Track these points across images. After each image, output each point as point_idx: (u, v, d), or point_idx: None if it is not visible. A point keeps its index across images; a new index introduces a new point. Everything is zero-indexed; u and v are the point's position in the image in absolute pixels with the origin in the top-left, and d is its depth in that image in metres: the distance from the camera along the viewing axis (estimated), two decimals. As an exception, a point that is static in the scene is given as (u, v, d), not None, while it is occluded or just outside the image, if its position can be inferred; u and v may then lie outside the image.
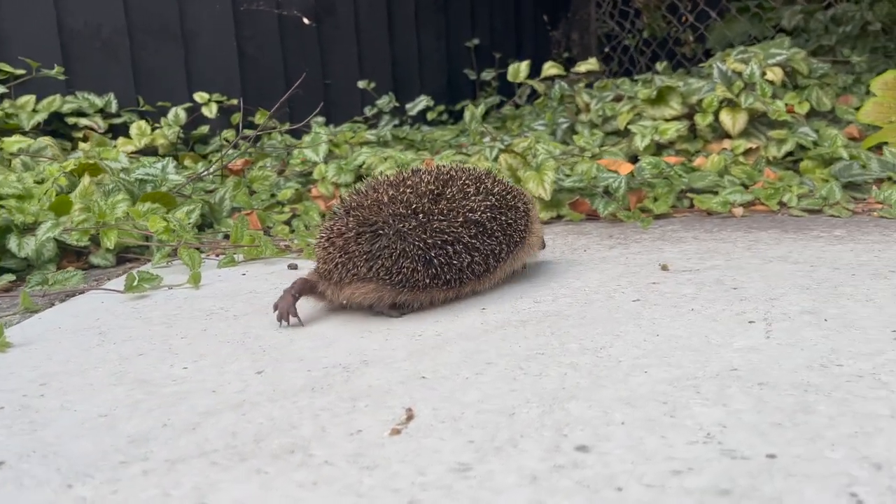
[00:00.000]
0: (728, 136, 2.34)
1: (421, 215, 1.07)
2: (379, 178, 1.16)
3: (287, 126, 3.03)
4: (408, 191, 1.09)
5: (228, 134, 2.84)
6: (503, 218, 1.15)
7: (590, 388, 0.76)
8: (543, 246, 1.35)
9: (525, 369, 0.83)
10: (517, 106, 3.55)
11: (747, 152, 2.28)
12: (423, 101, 2.88)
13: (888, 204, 1.75)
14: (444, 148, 2.69)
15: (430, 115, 3.63)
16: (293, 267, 1.52)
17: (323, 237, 1.09)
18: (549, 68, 2.67)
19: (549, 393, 0.75)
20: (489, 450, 0.63)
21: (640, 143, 2.31)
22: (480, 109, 2.58)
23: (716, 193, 2.01)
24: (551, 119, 2.71)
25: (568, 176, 2.03)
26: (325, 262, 1.07)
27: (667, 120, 2.42)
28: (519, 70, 2.69)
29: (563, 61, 4.58)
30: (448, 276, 1.09)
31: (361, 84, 2.84)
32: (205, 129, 2.86)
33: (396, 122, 2.93)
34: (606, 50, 4.56)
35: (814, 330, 0.91)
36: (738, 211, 1.88)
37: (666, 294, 1.14)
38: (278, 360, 0.91)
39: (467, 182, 1.15)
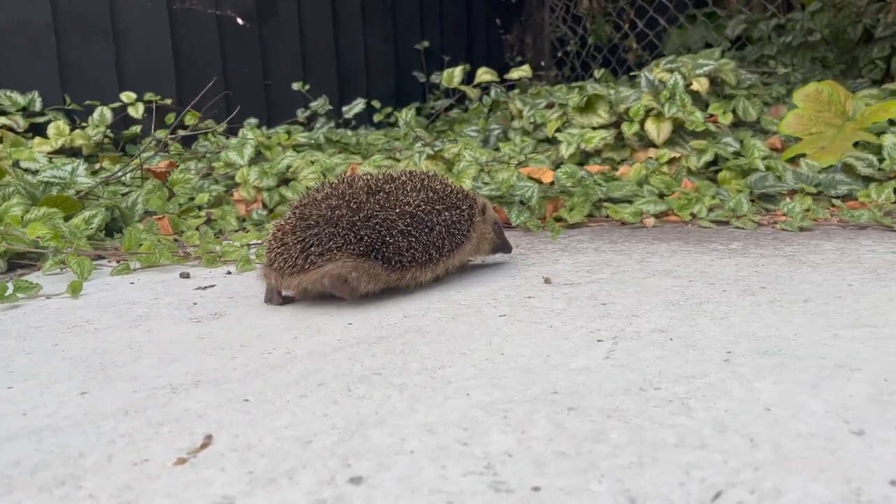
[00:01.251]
0: (654, 145, 2.35)
1: (353, 205, 1.18)
2: (330, 180, 1.28)
3: (223, 127, 3.00)
4: (346, 188, 1.21)
5: (161, 134, 2.79)
6: (445, 215, 1.26)
7: (402, 413, 0.75)
8: (508, 249, 1.45)
9: (352, 391, 0.82)
10: (465, 109, 3.54)
11: (671, 161, 2.29)
12: (359, 104, 2.85)
13: (791, 216, 1.77)
14: (377, 152, 2.68)
15: (376, 117, 3.62)
16: (185, 276, 1.49)
17: (269, 234, 1.22)
18: (483, 74, 2.66)
19: (359, 418, 0.74)
20: (262, 482, 0.61)
21: (565, 151, 2.31)
22: (410, 114, 2.57)
23: (632, 203, 2.02)
24: (484, 125, 2.71)
25: (486, 184, 2.03)
26: (268, 256, 1.19)
27: (594, 128, 2.43)
28: (453, 75, 2.68)
29: (516, 65, 4.59)
30: (387, 255, 1.18)
31: (296, 86, 2.81)
32: (137, 129, 2.81)
33: (332, 124, 2.91)
34: (559, 54, 4.58)
35: (655, 350, 0.91)
36: (650, 221, 1.89)
37: (535, 309, 1.14)
38: (112, 379, 0.89)
39: (410, 182, 1.26)
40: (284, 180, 2.34)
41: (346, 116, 2.84)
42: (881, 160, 2.09)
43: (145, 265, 1.59)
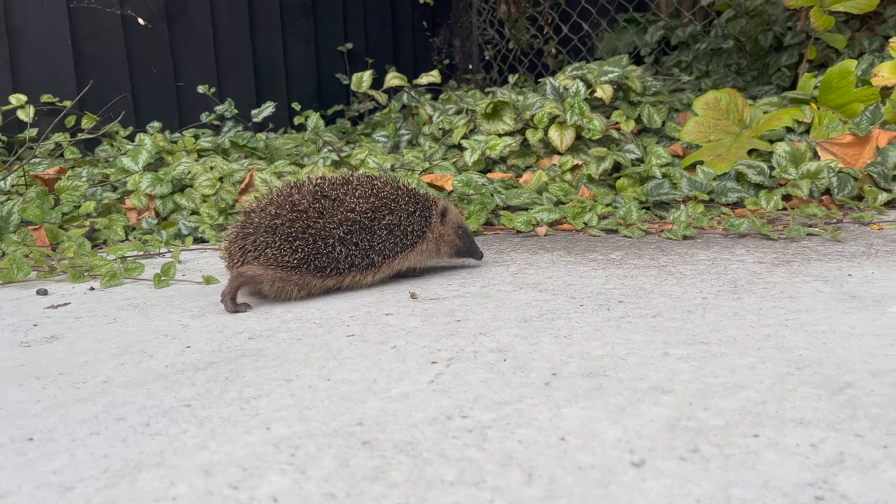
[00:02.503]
0: (559, 152, 2.36)
1: (294, 213, 1.23)
2: (288, 182, 1.35)
3: (130, 130, 2.89)
4: (294, 192, 1.27)
5: (60, 138, 2.68)
6: (389, 219, 1.31)
7: (188, 452, 0.71)
8: (477, 255, 1.47)
9: (150, 427, 0.77)
10: (371, 112, 3.50)
11: (574, 168, 2.30)
12: (269, 107, 2.79)
13: (676, 225, 1.79)
14: (285, 156, 2.62)
15: (297, 120, 3.55)
16: (42, 293, 1.42)
17: (223, 239, 1.31)
18: (392, 79, 2.63)
19: (139, 458, 0.70)
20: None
21: (469, 158, 2.30)
22: (315, 120, 2.52)
23: (528, 211, 2.02)
24: (394, 130, 2.68)
25: (382, 192, 1.99)
26: (224, 257, 1.29)
27: (500, 135, 2.42)
28: (362, 79, 2.64)
29: (443, 68, 4.58)
30: (320, 264, 1.25)
31: (202, 89, 2.73)
32: (33, 132, 2.69)
33: (241, 128, 2.83)
34: (487, 57, 4.58)
35: (483, 372, 0.89)
36: (542, 230, 1.89)
37: (387, 328, 1.11)
38: None
39: (360, 187, 1.30)
40: (182, 187, 2.27)
41: (256, 120, 2.76)
42: (772, 168, 2.14)
43: (4, 281, 1.51)
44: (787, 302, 1.15)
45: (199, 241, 2.03)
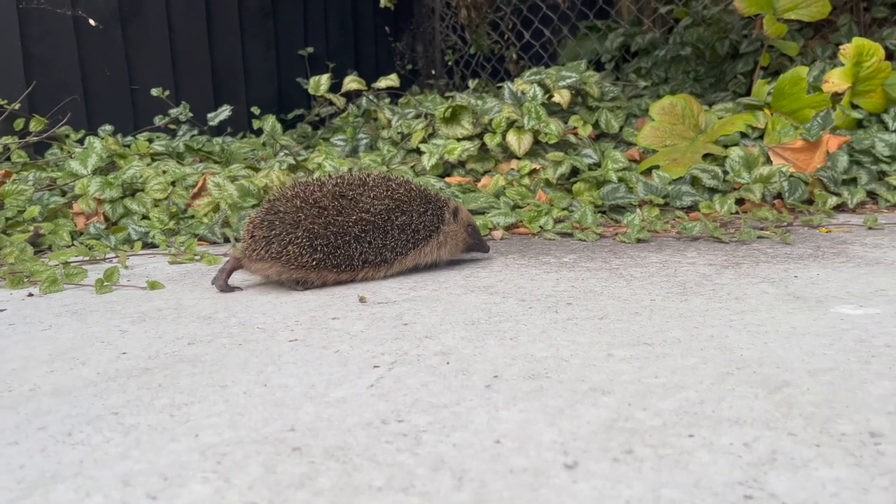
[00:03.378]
0: (517, 156, 2.36)
1: (315, 210, 1.32)
2: (310, 178, 1.44)
3: (82, 133, 2.82)
4: (316, 189, 1.35)
5: (8, 140, 2.59)
6: (402, 219, 1.39)
7: (109, 461, 0.68)
8: (485, 249, 1.56)
9: (73, 436, 0.74)
10: (332, 116, 3.47)
11: (532, 173, 2.30)
12: (225, 111, 2.74)
13: (630, 228, 1.80)
14: (242, 160, 2.57)
15: (256, 124, 3.50)
16: (-24, 300, 1.37)
17: (247, 222, 1.37)
18: (350, 83, 2.61)
19: (56, 469, 0.67)
20: None
21: (427, 162, 2.29)
22: (271, 123, 2.49)
23: (485, 215, 2.01)
24: (352, 134, 2.65)
25: (338, 196, 1.96)
26: (243, 242, 1.35)
27: (459, 139, 2.42)
28: (319, 83, 2.61)
29: (406, 73, 4.57)
30: (336, 261, 1.34)
31: (155, 92, 2.67)
32: (-21, 135, 2.60)
33: (196, 131, 2.78)
34: (450, 63, 4.58)
35: (425, 375, 0.88)
36: (498, 234, 1.88)
37: (332, 332, 1.09)
38: None
39: (377, 188, 1.38)
40: (133, 191, 2.21)
41: (212, 124, 2.72)
42: (725, 172, 2.17)
43: (-62, 288, 1.45)
44: (733, 303, 1.15)
45: (150, 245, 1.98)
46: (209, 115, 2.77)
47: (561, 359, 0.92)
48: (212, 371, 0.93)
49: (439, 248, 1.47)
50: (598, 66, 4.05)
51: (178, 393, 0.85)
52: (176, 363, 0.97)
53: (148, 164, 2.42)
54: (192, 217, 2.08)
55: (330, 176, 1.41)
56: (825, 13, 2.67)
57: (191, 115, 2.72)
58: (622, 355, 0.92)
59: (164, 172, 2.23)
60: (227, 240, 1.95)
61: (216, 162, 2.57)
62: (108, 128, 2.68)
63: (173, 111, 2.70)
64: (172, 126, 2.91)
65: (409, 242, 1.41)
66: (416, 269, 1.52)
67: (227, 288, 1.38)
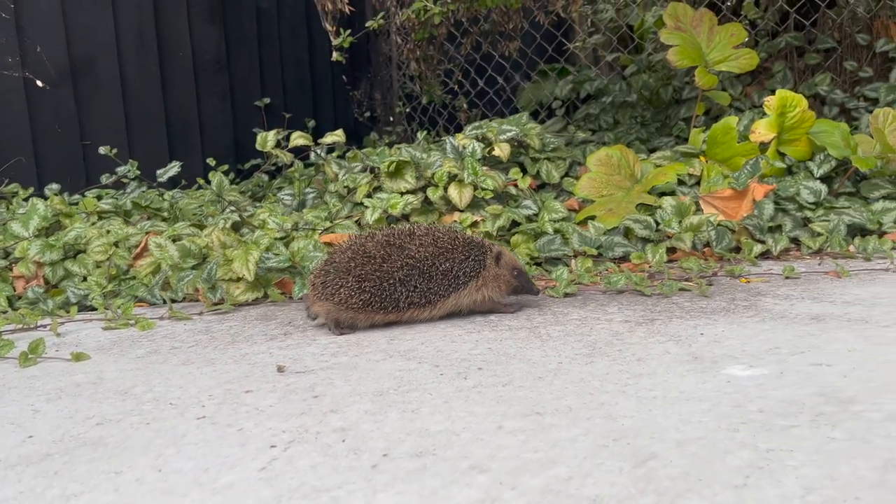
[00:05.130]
0: (459, 209, 2.41)
1: (366, 258, 1.50)
2: (366, 231, 1.71)
3: (31, 191, 2.83)
4: (369, 241, 1.54)
5: (-48, 202, 2.59)
6: (445, 265, 1.53)
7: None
8: (534, 291, 1.66)
9: (-45, 533, 0.76)
10: (308, 166, 3.51)
11: (474, 225, 2.36)
12: (174, 167, 2.77)
13: (559, 282, 1.85)
14: (189, 217, 2.60)
15: (211, 176, 3.53)
16: None
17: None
18: (296, 139, 2.66)
19: (-72, 572, 0.68)
20: None
21: (370, 216, 2.33)
22: (218, 179, 2.52)
23: (424, 270, 2.05)
24: (300, 189, 2.70)
25: (277, 255, 2.00)
26: (308, 287, 1.58)
27: (402, 193, 2.47)
28: (266, 139, 2.66)
29: (365, 120, 4.65)
30: (382, 304, 1.50)
31: (103, 150, 2.70)
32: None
33: (145, 187, 2.80)
34: (408, 110, 4.67)
35: (317, 456, 0.90)
36: (433, 290, 1.92)
37: (242, 407, 1.11)
38: None
39: (424, 236, 1.54)
40: (76, 252, 2.22)
41: (161, 180, 2.74)
42: (657, 222, 2.24)
43: None
44: (634, 365, 1.20)
45: (89, 308, 1.99)
46: (158, 172, 2.80)
47: (453, 433, 0.96)
48: (112, 455, 0.95)
49: (479, 291, 1.59)
50: (550, 111, 4.16)
51: (72, 482, 0.87)
52: (79, 447, 0.98)
53: (93, 224, 2.44)
54: (134, 278, 2.10)
55: (383, 228, 1.67)
56: (753, 65, 2.79)
57: (138, 172, 2.75)
58: (512, 427, 0.96)
59: (108, 233, 2.25)
60: (164, 301, 1.97)
61: (164, 219, 2.59)
62: (55, 186, 2.70)
63: (121, 169, 2.73)
64: (125, 180, 2.94)
65: (450, 286, 1.54)
66: (346, 334, 1.55)
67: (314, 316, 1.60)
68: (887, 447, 0.83)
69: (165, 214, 2.62)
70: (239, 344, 1.51)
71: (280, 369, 1.30)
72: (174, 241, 2.19)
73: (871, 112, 2.70)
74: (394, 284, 1.50)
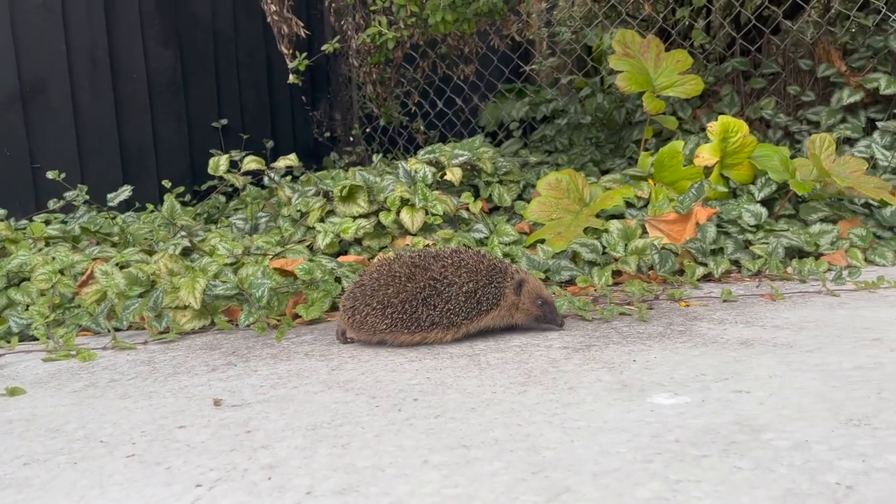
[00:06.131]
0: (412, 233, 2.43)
1: (391, 279, 1.58)
2: (384, 256, 1.75)
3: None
4: (395, 262, 1.61)
5: None
6: (467, 287, 1.58)
7: None
8: (556, 322, 1.67)
9: None
10: (263, 187, 3.51)
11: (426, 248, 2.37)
12: (125, 191, 2.75)
13: (504, 309, 1.87)
14: (141, 241, 2.57)
15: (166, 198, 3.50)
16: None
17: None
18: (249, 162, 2.66)
19: None
20: None
21: (321, 241, 2.34)
22: (169, 203, 2.51)
23: (373, 296, 2.06)
24: (251, 213, 2.70)
25: (224, 282, 2.00)
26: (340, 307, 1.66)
27: (354, 217, 2.49)
28: (218, 163, 2.66)
29: (325, 140, 4.66)
30: (407, 325, 1.56)
31: (51, 175, 2.67)
32: None
33: (94, 212, 2.78)
34: (368, 130, 4.69)
35: (241, 495, 0.91)
36: (381, 316, 1.93)
37: (173, 443, 1.11)
38: None
39: (450, 258, 1.60)
40: (21, 279, 2.19)
41: (111, 204, 2.72)
42: (604, 246, 2.29)
43: None
44: (565, 394, 1.23)
45: (32, 338, 1.96)
46: (109, 196, 2.77)
47: (379, 468, 0.97)
48: (35, 498, 0.94)
49: (503, 316, 1.63)
50: (508, 132, 4.22)
51: (-11, 527, 0.86)
52: (3, 489, 0.97)
53: (40, 250, 2.41)
54: (79, 307, 2.07)
55: (412, 249, 1.74)
56: (698, 91, 2.88)
57: (87, 196, 2.72)
58: (437, 461, 0.98)
59: (53, 259, 2.22)
60: (109, 331, 1.95)
61: (114, 244, 2.56)
62: (2, 212, 2.66)
63: (69, 193, 2.70)
64: (75, 204, 2.90)
65: (473, 310, 1.58)
66: (294, 361, 1.55)
67: (345, 340, 1.69)
68: (790, 477, 0.86)
69: (115, 239, 2.60)
70: (180, 376, 1.51)
71: (217, 403, 1.30)
72: (122, 267, 2.17)
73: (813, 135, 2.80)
74: (416, 306, 1.56)
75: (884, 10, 3.20)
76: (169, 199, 2.60)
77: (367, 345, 1.67)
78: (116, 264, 2.17)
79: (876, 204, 2.57)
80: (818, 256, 2.30)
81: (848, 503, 0.79)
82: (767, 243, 2.28)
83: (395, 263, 1.60)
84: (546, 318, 1.67)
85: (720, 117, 2.65)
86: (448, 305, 1.57)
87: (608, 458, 0.95)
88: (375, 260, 1.71)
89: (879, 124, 3.02)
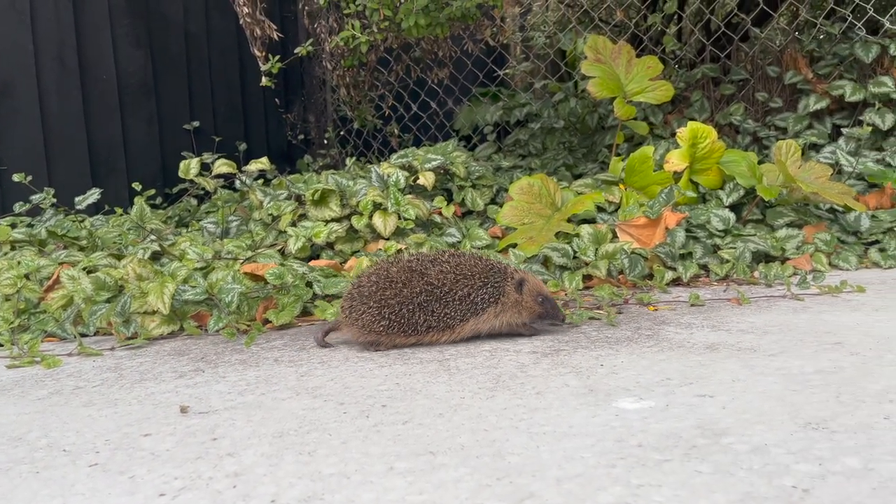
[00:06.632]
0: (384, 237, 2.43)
1: (388, 282, 1.58)
2: (383, 259, 1.72)
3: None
4: (393, 265, 1.61)
5: None
6: (463, 290, 1.58)
7: None
8: (559, 319, 1.67)
9: None
10: (235, 190, 3.48)
11: (399, 253, 2.38)
12: (94, 194, 2.71)
13: (475, 313, 1.88)
14: (110, 245, 2.54)
15: (139, 199, 3.46)
16: None
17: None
18: (220, 166, 2.64)
19: None
20: None
21: (293, 245, 2.33)
22: (139, 207, 2.48)
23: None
24: (222, 217, 2.68)
25: (194, 287, 1.98)
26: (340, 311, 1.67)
27: (326, 221, 2.48)
28: (189, 167, 2.63)
29: (299, 142, 4.63)
30: (403, 327, 1.58)
31: (17, 177, 2.63)
32: None
33: (62, 215, 2.73)
34: (342, 133, 4.68)
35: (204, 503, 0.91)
36: (352, 321, 1.93)
37: (138, 452, 1.10)
38: None
39: (447, 262, 1.61)
40: (-16, 285, 2.14)
41: (79, 208, 2.68)
42: (575, 251, 2.31)
43: None
44: (532, 399, 1.24)
45: (-5, 345, 1.92)
46: (77, 199, 2.73)
47: (345, 475, 0.97)
48: (-8, 509, 0.93)
49: (497, 318, 1.62)
50: (483, 136, 4.24)
51: (-56, 540, 0.85)
52: (-41, 501, 0.96)
53: (5, 254, 2.36)
54: (44, 312, 2.04)
55: (410, 253, 1.76)
56: (669, 97, 2.92)
57: (54, 199, 2.67)
58: (403, 468, 0.98)
59: (19, 264, 2.18)
60: (75, 337, 1.92)
61: (81, 248, 2.53)
62: (-33, 214, 2.60)
63: (35, 196, 2.65)
64: (43, 206, 2.85)
65: (468, 312, 1.59)
66: (264, 367, 1.54)
67: (323, 343, 1.68)
68: (748, 480, 0.88)
69: (83, 243, 2.56)
70: (146, 382, 1.49)
71: (183, 410, 1.29)
72: (89, 272, 2.14)
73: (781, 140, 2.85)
74: (413, 310, 1.57)
75: (849, 19, 3.28)
76: (138, 202, 2.57)
77: (336, 350, 1.67)
78: (84, 269, 2.14)
79: (840, 209, 2.63)
80: (784, 261, 2.34)
81: (803, 506, 0.81)
82: (735, 248, 2.31)
83: (392, 268, 1.61)
84: (548, 315, 1.67)
85: (689, 123, 2.69)
86: (446, 309, 1.58)
87: (572, 463, 0.96)
88: (373, 263, 1.72)
89: (844, 131, 3.09)
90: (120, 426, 1.23)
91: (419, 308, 1.57)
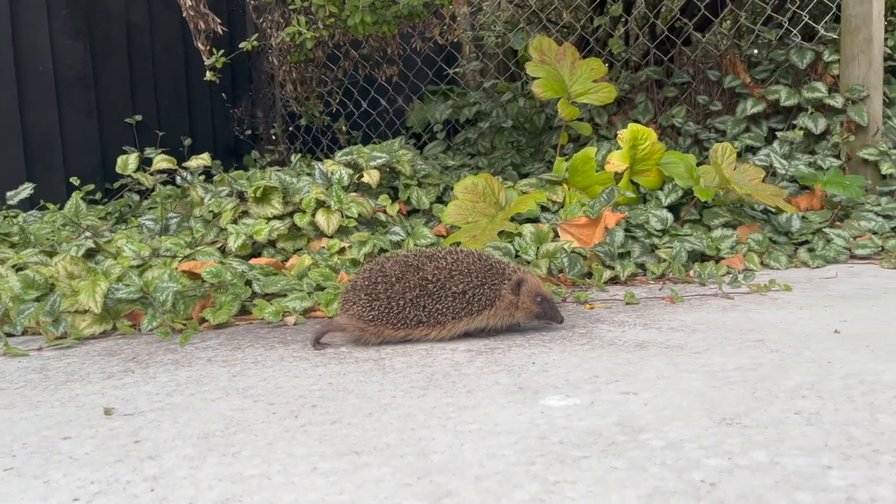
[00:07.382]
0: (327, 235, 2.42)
1: (381, 276, 1.59)
2: (390, 254, 1.70)
3: None
4: (389, 262, 1.61)
5: None
6: (456, 288, 1.58)
7: None
8: (557, 319, 1.67)
9: None
10: (178, 187, 3.40)
11: (343, 251, 2.37)
12: (26, 189, 2.63)
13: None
14: (43, 242, 2.46)
15: (75, 195, 3.36)
16: None
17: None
18: (159, 162, 2.59)
19: None
20: None
21: (233, 243, 2.30)
22: (73, 202, 2.41)
23: (285, 298, 2.04)
24: (161, 214, 2.62)
25: (128, 285, 1.93)
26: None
27: (269, 218, 2.45)
28: (127, 162, 2.57)
29: (246, 138, 4.56)
30: (392, 321, 1.58)
31: (-57, 171, 2.52)
32: None
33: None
34: (291, 129, 4.63)
35: (120, 509, 0.89)
36: (291, 320, 1.92)
37: (55, 455, 1.07)
38: None
39: (444, 259, 1.61)
40: None
41: (11, 203, 2.59)
42: (517, 250, 2.34)
43: None
44: (463, 397, 1.25)
45: (-85, 346, 1.84)
46: (9, 194, 2.64)
47: (266, 476, 0.96)
48: None
49: (492, 318, 1.62)
50: (433, 134, 4.25)
51: None
52: None
53: (-72, 251, 2.27)
54: (-31, 311, 1.97)
55: (409, 249, 1.76)
56: (612, 98, 2.97)
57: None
58: (326, 468, 0.98)
59: (-58, 262, 2.10)
60: (0, 337, 1.85)
61: (12, 245, 2.44)
62: None
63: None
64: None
65: (462, 310, 1.59)
66: (195, 368, 1.52)
67: (317, 346, 1.65)
68: (659, 475, 0.91)
69: (15, 240, 2.48)
70: (73, 384, 1.46)
71: (107, 412, 1.26)
72: (18, 270, 2.07)
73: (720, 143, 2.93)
74: (404, 305, 1.57)
75: (786, 25, 3.39)
76: (74, 198, 2.50)
77: (272, 350, 1.66)
78: (13, 266, 2.07)
79: (773, 210, 2.72)
80: (719, 260, 2.42)
81: (709, 500, 0.84)
82: (672, 247, 2.37)
83: (388, 263, 1.62)
84: (546, 315, 1.67)
85: (630, 125, 2.74)
86: (436, 306, 1.58)
87: (493, 460, 0.98)
88: (371, 260, 1.73)
89: (779, 134, 3.20)
90: (39, 429, 1.19)
91: (410, 304, 1.57)
